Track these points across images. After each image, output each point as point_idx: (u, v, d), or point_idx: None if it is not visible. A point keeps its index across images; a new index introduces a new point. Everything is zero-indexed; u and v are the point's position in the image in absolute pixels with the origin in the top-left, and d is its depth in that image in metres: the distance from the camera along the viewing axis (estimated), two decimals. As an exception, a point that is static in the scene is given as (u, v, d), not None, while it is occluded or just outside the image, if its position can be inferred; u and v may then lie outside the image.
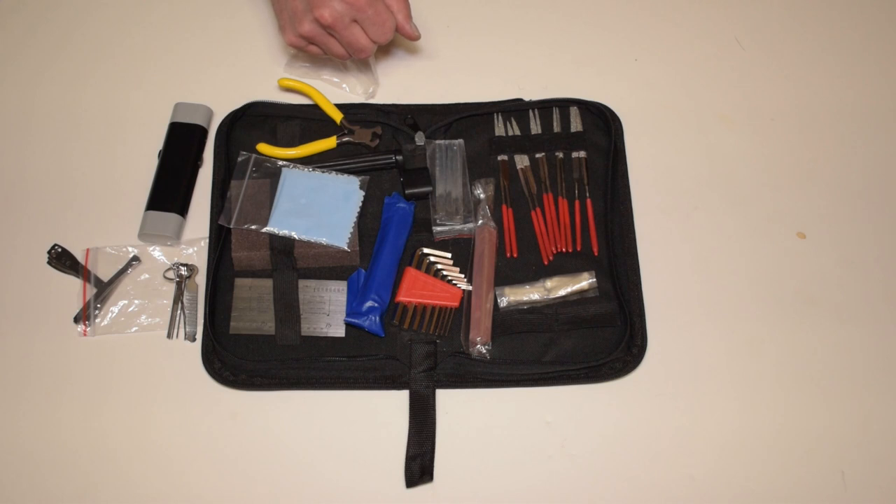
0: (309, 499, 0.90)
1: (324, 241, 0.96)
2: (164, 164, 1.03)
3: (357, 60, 1.08)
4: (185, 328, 0.97)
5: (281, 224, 0.97)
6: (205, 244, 1.00)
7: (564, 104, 1.08)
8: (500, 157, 1.05)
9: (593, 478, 0.91)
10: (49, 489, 0.89)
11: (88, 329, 0.96)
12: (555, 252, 1.00)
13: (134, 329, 0.96)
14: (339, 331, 0.95)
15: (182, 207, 1.01)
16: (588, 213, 1.02)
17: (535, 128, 1.07)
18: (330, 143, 1.05)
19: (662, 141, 1.08)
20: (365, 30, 1.00)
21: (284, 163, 1.02)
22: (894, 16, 1.19)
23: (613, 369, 0.94)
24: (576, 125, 1.07)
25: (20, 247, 1.00)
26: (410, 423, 0.91)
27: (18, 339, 0.95)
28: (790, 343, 0.97)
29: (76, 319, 0.96)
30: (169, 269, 0.99)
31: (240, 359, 0.92)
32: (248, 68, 1.11)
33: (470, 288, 0.97)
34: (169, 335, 0.96)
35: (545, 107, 1.08)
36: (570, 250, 1.00)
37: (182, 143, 1.04)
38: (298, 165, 1.01)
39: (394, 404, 0.93)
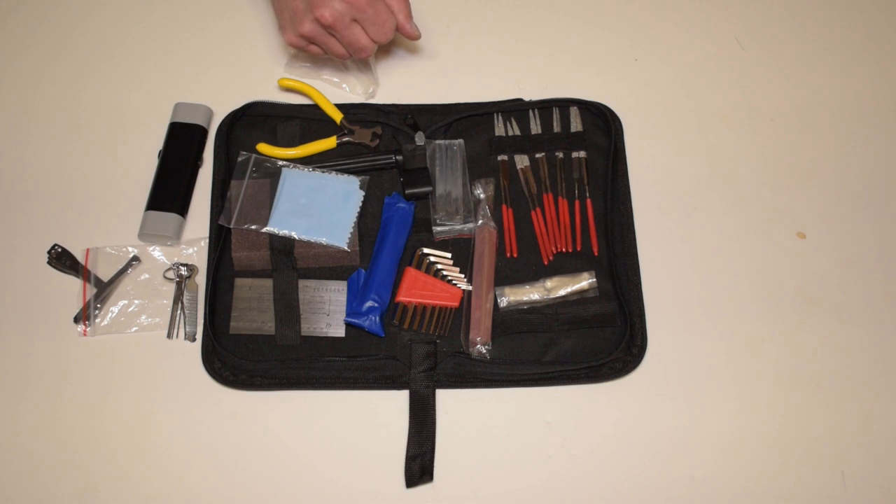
0: (309, 499, 0.90)
1: (324, 241, 0.96)
2: (164, 164, 1.03)
3: (357, 60, 1.08)
4: (185, 328, 0.97)
5: (281, 224, 0.97)
6: (205, 244, 1.00)
7: (564, 104, 1.08)
8: (500, 157, 1.05)
9: (593, 478, 0.91)
10: (49, 489, 0.89)
11: (88, 329, 0.96)
12: (555, 252, 1.00)
13: (134, 329, 0.96)
14: (339, 331, 0.95)
15: (182, 207, 1.01)
16: (588, 213, 1.02)
17: (535, 128, 1.07)
18: (330, 143, 1.05)
19: (662, 141, 1.08)
20: (365, 29, 1.00)
21: (284, 163, 1.02)
22: (894, 16, 1.19)
23: (613, 369, 0.94)
24: (576, 125, 1.07)
25: (20, 247, 1.00)
26: (410, 423, 0.91)
27: (18, 339, 0.95)
28: (790, 343, 0.97)
29: (76, 319, 0.96)
30: (169, 269, 0.99)
31: (240, 359, 0.92)
32: (248, 68, 1.11)
33: (470, 288, 0.97)
34: (169, 335, 0.96)
35: (545, 107, 1.08)
36: (570, 250, 1.00)
37: (182, 143, 1.04)
38: (298, 165, 1.01)
39: (394, 404, 0.93)
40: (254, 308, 0.96)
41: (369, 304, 0.94)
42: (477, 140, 1.06)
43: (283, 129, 1.06)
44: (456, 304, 0.96)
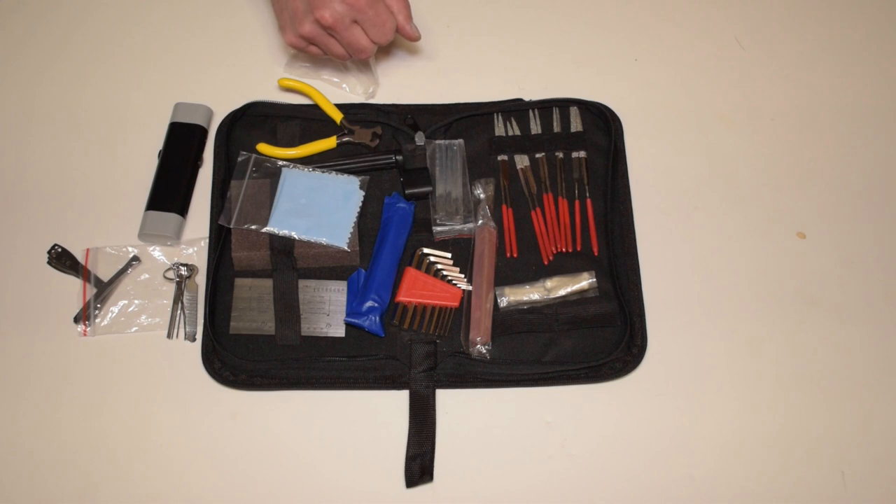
0: (309, 499, 0.90)
1: (324, 241, 0.96)
2: (164, 164, 1.03)
3: (357, 61, 1.08)
4: (185, 328, 0.97)
5: (281, 224, 0.97)
6: (205, 244, 1.00)
7: (564, 104, 1.08)
8: (500, 157, 1.05)
9: (593, 478, 0.91)
10: (49, 489, 0.89)
11: (88, 329, 0.96)
12: (555, 252, 1.00)
13: (134, 329, 0.96)
14: (339, 331, 0.95)
15: (182, 207, 1.01)
16: (588, 213, 1.02)
17: (535, 128, 1.07)
18: (330, 143, 1.05)
19: (662, 141, 1.08)
20: (365, 31, 1.00)
21: (284, 163, 1.02)
22: (894, 16, 1.19)
23: (613, 369, 0.94)
24: (576, 125, 1.07)
25: (20, 247, 1.00)
26: (410, 423, 0.91)
27: (18, 339, 0.95)
28: (790, 343, 0.97)
29: (76, 319, 0.96)
30: (169, 269, 0.99)
31: (240, 359, 0.92)
32: (248, 68, 1.11)
33: (470, 288, 0.97)
34: (169, 335, 0.96)
35: (545, 107, 1.08)
36: (570, 250, 1.00)
37: (182, 143, 1.04)
38: (298, 165, 1.01)
39: (394, 404, 0.93)
40: (254, 308, 0.96)
41: (369, 304, 0.94)
42: (477, 140, 1.06)
43: (283, 129, 1.06)
44: (456, 304, 0.96)
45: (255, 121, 1.06)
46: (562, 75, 1.12)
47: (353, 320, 0.94)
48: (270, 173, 1.01)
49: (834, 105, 1.11)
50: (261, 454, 0.91)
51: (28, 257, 0.99)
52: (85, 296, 0.97)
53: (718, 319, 0.98)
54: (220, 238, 0.98)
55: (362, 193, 1.00)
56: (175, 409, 0.93)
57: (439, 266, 0.99)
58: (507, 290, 0.97)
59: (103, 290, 0.97)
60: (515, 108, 1.07)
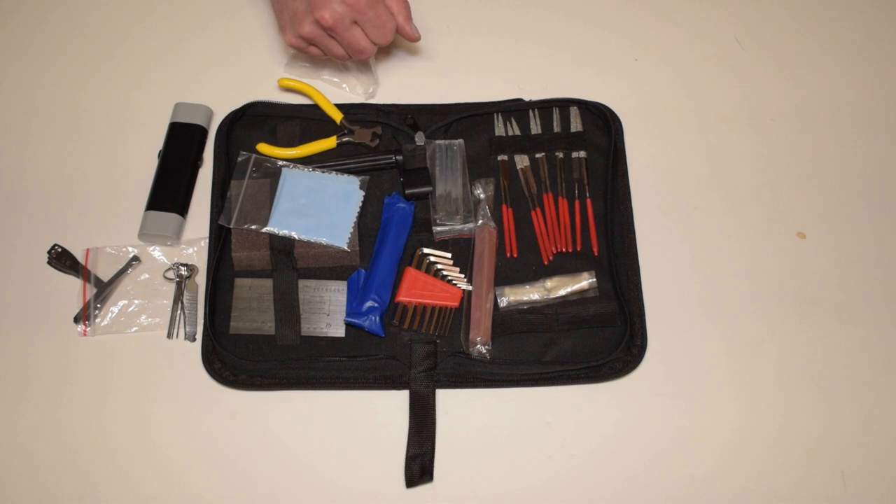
0: (309, 499, 0.90)
1: (324, 241, 0.96)
2: (164, 164, 1.03)
3: (357, 61, 1.08)
4: (185, 328, 0.97)
5: (281, 224, 0.97)
6: (205, 244, 1.00)
7: (564, 104, 1.08)
8: (500, 157, 1.05)
9: (593, 478, 0.91)
10: (49, 489, 0.89)
11: (88, 329, 0.96)
12: (555, 252, 1.00)
13: (134, 329, 0.96)
14: (339, 331, 0.95)
15: (182, 207, 1.01)
16: (588, 213, 1.02)
17: (535, 128, 1.07)
18: (330, 143, 1.05)
19: (662, 141, 1.08)
20: (365, 31, 1.00)
21: (284, 163, 1.02)
22: (894, 16, 1.19)
23: (613, 369, 0.94)
24: (576, 125, 1.07)
25: (20, 247, 1.00)
26: (410, 423, 0.91)
27: (18, 339, 0.95)
28: (790, 343, 0.97)
29: (76, 319, 0.96)
30: (169, 269, 0.99)
31: (240, 359, 0.92)
32: (248, 68, 1.11)
33: (470, 288, 0.97)
34: (169, 335, 0.96)
35: (545, 107, 1.08)
36: (570, 250, 1.00)
37: (182, 143, 1.04)
38: (298, 165, 1.02)
39: (394, 404, 0.93)
40: (254, 308, 0.96)
41: (369, 304, 0.94)
42: (477, 140, 1.06)
43: (283, 129, 1.06)
44: (456, 304, 0.96)
45: (255, 121, 1.06)
46: (562, 75, 1.12)
47: (353, 320, 0.94)
48: (270, 173, 1.01)
49: (834, 105, 1.11)
50: (261, 454, 0.91)
51: (28, 257, 0.99)
52: (85, 296, 0.97)
53: (718, 319, 0.98)
54: (220, 238, 0.98)
55: (362, 193, 1.00)
56: (175, 409, 0.93)
57: (439, 266, 0.99)
58: (507, 290, 0.97)
59: (103, 290, 0.97)
60: (515, 108, 1.07)
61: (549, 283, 0.97)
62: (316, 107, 1.07)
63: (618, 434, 0.93)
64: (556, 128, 1.07)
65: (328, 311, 0.96)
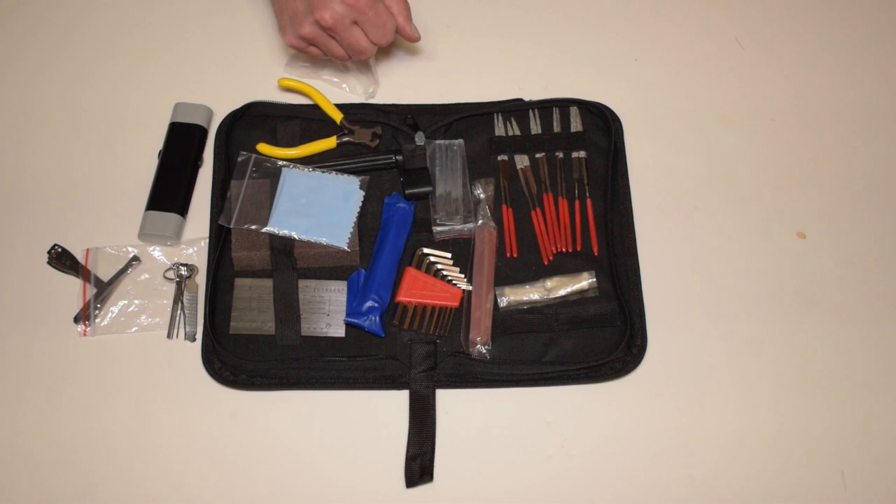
0: (309, 499, 0.90)
1: (324, 241, 0.96)
2: (164, 164, 1.03)
3: (357, 61, 1.08)
4: (185, 328, 0.97)
5: (281, 224, 0.97)
6: (205, 244, 1.00)
7: (564, 104, 1.08)
8: (500, 157, 1.05)
9: (593, 478, 0.91)
10: (49, 489, 0.89)
11: (88, 329, 0.96)
12: (555, 252, 1.00)
13: (134, 329, 0.96)
14: (339, 331, 0.95)
15: (182, 207, 1.01)
16: (588, 213, 1.02)
17: (535, 128, 1.07)
18: (330, 143, 1.05)
19: (662, 141, 1.08)
20: (365, 32, 1.00)
21: (284, 163, 1.02)
22: (894, 16, 1.19)
23: (613, 369, 0.94)
24: (576, 125, 1.07)
25: (20, 247, 1.00)
26: (410, 423, 0.91)
27: (18, 339, 0.95)
28: (790, 343, 0.97)
29: (76, 319, 0.96)
30: (169, 269, 0.99)
31: (240, 359, 0.92)
32: (248, 68, 1.11)
33: (470, 288, 0.97)
34: (169, 335, 0.96)
35: (545, 107, 1.08)
36: (570, 250, 1.00)
37: (182, 143, 1.04)
38: (298, 165, 1.02)
39: (394, 404, 0.93)
40: (254, 308, 0.96)
41: (369, 304, 0.94)
42: (477, 140, 1.06)
43: (283, 129, 1.06)
44: (456, 304, 0.96)
45: (255, 121, 1.06)
46: (562, 75, 1.12)
47: (353, 320, 0.94)
48: (270, 173, 1.01)
49: (834, 105, 1.11)
50: (261, 454, 0.91)
51: (28, 257, 0.99)
52: (85, 296, 0.97)
53: (718, 319, 0.98)
54: (220, 238, 0.98)
55: (362, 193, 1.00)
56: (175, 409, 0.93)
57: (439, 266, 0.99)
58: (507, 290, 0.97)
59: (103, 290, 0.97)
60: (515, 108, 1.07)
61: (549, 283, 0.97)
62: (316, 107, 1.07)
63: (618, 434, 0.93)
64: (556, 128, 1.07)
65: (328, 311, 0.96)
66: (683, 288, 1.00)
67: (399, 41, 1.11)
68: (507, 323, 0.96)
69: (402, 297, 0.96)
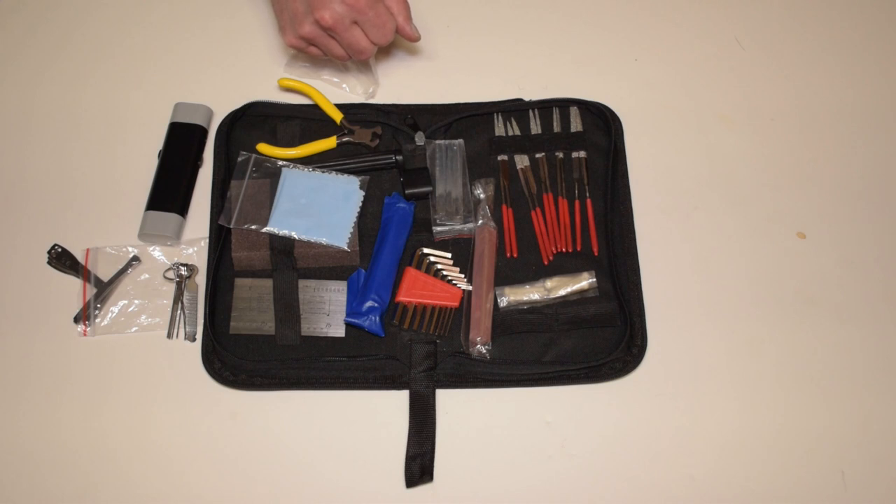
0: (309, 499, 0.90)
1: (324, 241, 0.96)
2: (164, 164, 1.03)
3: (357, 61, 1.08)
4: (185, 328, 0.97)
5: (281, 224, 0.97)
6: (205, 244, 1.00)
7: (564, 104, 1.08)
8: (500, 157, 1.05)
9: (593, 478, 0.91)
10: (49, 489, 0.89)
11: (88, 329, 0.96)
12: (555, 252, 1.00)
13: (134, 329, 0.96)
14: (339, 331, 0.95)
15: (182, 207, 1.01)
16: (588, 213, 1.02)
17: (535, 128, 1.07)
18: (330, 143, 1.05)
19: (662, 141, 1.08)
20: (365, 32, 1.00)
21: (284, 163, 1.02)
22: (894, 16, 1.19)
23: (613, 369, 0.94)
24: (576, 125, 1.07)
25: (20, 247, 1.00)
26: (410, 423, 0.91)
27: (18, 339, 0.95)
28: (790, 343, 0.97)
29: (76, 319, 0.96)
30: (169, 269, 0.99)
31: (240, 359, 0.92)
32: (248, 68, 1.11)
33: (470, 288, 0.97)
34: (169, 335, 0.96)
35: (545, 107, 1.08)
36: (570, 250, 1.00)
37: (182, 143, 1.04)
38: (298, 165, 1.02)
39: (394, 404, 0.93)
40: (254, 308, 0.96)
41: (369, 304, 0.94)
42: (477, 140, 1.06)
43: (283, 129, 1.06)
44: (456, 304, 0.96)
45: (255, 121, 1.06)
46: (562, 75, 1.12)
47: (353, 320, 0.94)
48: (270, 173, 1.01)
49: (834, 105, 1.11)
50: (261, 454, 0.91)
51: (28, 257, 0.99)
52: (85, 296, 0.97)
53: (718, 319, 0.98)
54: (220, 238, 0.98)
55: (362, 193, 1.00)
56: (175, 409, 0.93)
57: (439, 266, 0.99)
58: (507, 290, 0.97)
59: (103, 290, 0.97)
60: (515, 108, 1.07)
61: (549, 283, 0.97)
62: (316, 107, 1.07)
63: (618, 434, 0.93)
64: (556, 128, 1.07)
65: (328, 311, 0.96)
66: (683, 288, 1.00)
67: (399, 41, 1.11)
68: (507, 323, 0.96)
69: (402, 297, 0.96)
